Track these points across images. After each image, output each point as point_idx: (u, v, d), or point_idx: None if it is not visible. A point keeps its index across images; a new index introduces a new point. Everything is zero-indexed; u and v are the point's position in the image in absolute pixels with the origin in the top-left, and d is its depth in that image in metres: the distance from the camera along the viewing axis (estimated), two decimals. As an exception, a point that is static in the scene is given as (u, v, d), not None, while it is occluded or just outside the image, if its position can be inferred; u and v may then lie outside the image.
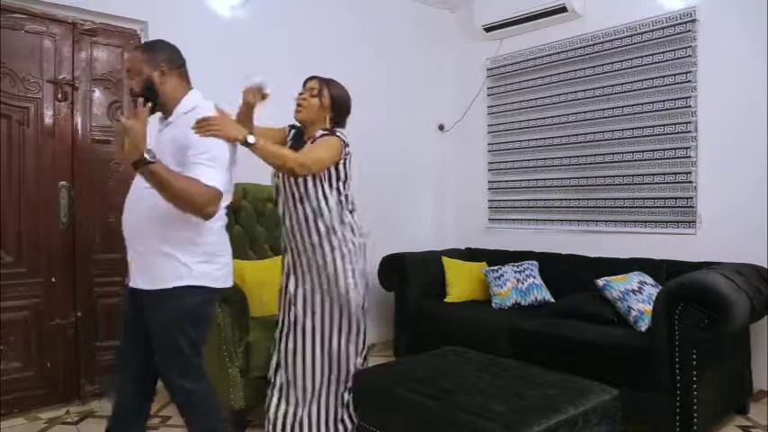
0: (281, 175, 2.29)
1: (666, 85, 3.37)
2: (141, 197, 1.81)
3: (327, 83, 2.34)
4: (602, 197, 3.68)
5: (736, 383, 2.75)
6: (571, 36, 3.82)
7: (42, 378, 2.87)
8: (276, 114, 2.34)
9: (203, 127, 1.78)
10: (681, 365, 2.37)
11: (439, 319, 3.48)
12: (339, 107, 2.34)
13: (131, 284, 1.89)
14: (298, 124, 2.40)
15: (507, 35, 4.18)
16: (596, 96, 3.70)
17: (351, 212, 2.36)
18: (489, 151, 4.38)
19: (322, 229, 2.26)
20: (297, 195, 2.27)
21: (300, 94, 2.33)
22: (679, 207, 3.34)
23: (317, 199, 2.26)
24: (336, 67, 2.26)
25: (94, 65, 3.01)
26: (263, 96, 2.13)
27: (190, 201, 1.68)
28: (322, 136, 2.27)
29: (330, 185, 2.27)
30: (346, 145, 2.29)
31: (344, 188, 2.33)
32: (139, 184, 1.81)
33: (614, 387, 1.97)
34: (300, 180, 2.23)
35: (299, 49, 3.64)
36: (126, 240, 1.89)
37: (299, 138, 2.41)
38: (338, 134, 2.28)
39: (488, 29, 4.15)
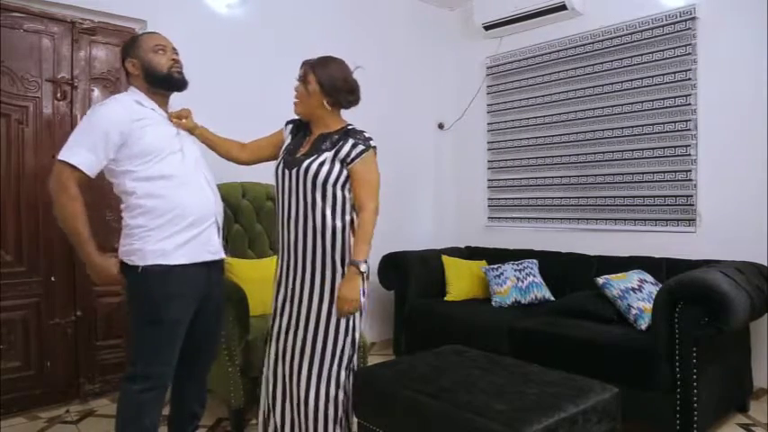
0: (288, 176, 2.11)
1: (666, 82, 3.37)
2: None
3: (314, 66, 2.08)
4: (603, 195, 3.68)
5: (736, 381, 2.75)
6: (571, 34, 3.81)
7: (42, 378, 2.87)
8: (284, 114, 2.25)
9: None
10: (681, 364, 2.37)
11: (439, 317, 3.48)
12: (332, 90, 2.07)
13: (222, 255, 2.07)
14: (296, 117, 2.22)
15: (507, 33, 4.17)
16: (596, 94, 3.69)
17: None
18: (489, 149, 4.38)
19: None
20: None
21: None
22: (679, 205, 3.34)
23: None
24: (336, 66, 2.23)
25: (93, 64, 3.01)
26: (180, 116, 2.04)
27: None
28: (361, 153, 2.04)
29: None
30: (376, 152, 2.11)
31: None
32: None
33: (614, 385, 1.97)
34: (319, 200, 2.04)
35: (298, 48, 3.60)
36: (204, 218, 1.97)
37: (302, 133, 2.20)
38: (370, 143, 2.07)
39: (488, 27, 4.15)
